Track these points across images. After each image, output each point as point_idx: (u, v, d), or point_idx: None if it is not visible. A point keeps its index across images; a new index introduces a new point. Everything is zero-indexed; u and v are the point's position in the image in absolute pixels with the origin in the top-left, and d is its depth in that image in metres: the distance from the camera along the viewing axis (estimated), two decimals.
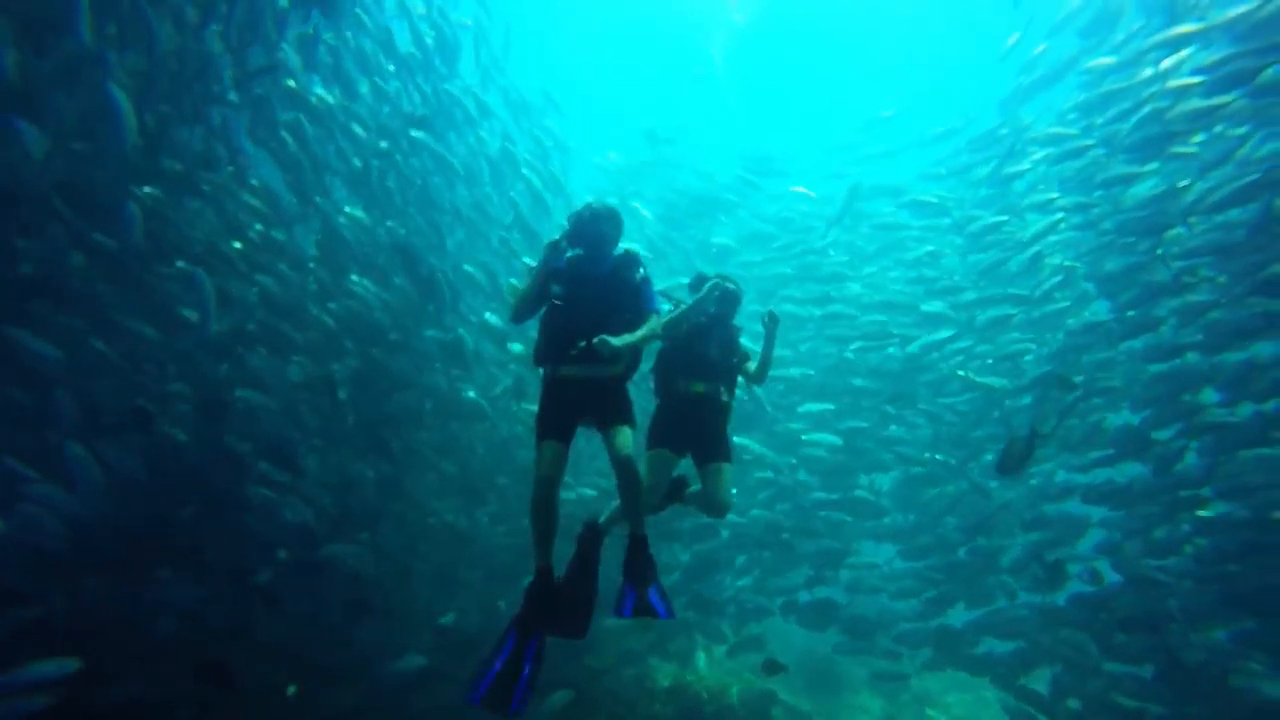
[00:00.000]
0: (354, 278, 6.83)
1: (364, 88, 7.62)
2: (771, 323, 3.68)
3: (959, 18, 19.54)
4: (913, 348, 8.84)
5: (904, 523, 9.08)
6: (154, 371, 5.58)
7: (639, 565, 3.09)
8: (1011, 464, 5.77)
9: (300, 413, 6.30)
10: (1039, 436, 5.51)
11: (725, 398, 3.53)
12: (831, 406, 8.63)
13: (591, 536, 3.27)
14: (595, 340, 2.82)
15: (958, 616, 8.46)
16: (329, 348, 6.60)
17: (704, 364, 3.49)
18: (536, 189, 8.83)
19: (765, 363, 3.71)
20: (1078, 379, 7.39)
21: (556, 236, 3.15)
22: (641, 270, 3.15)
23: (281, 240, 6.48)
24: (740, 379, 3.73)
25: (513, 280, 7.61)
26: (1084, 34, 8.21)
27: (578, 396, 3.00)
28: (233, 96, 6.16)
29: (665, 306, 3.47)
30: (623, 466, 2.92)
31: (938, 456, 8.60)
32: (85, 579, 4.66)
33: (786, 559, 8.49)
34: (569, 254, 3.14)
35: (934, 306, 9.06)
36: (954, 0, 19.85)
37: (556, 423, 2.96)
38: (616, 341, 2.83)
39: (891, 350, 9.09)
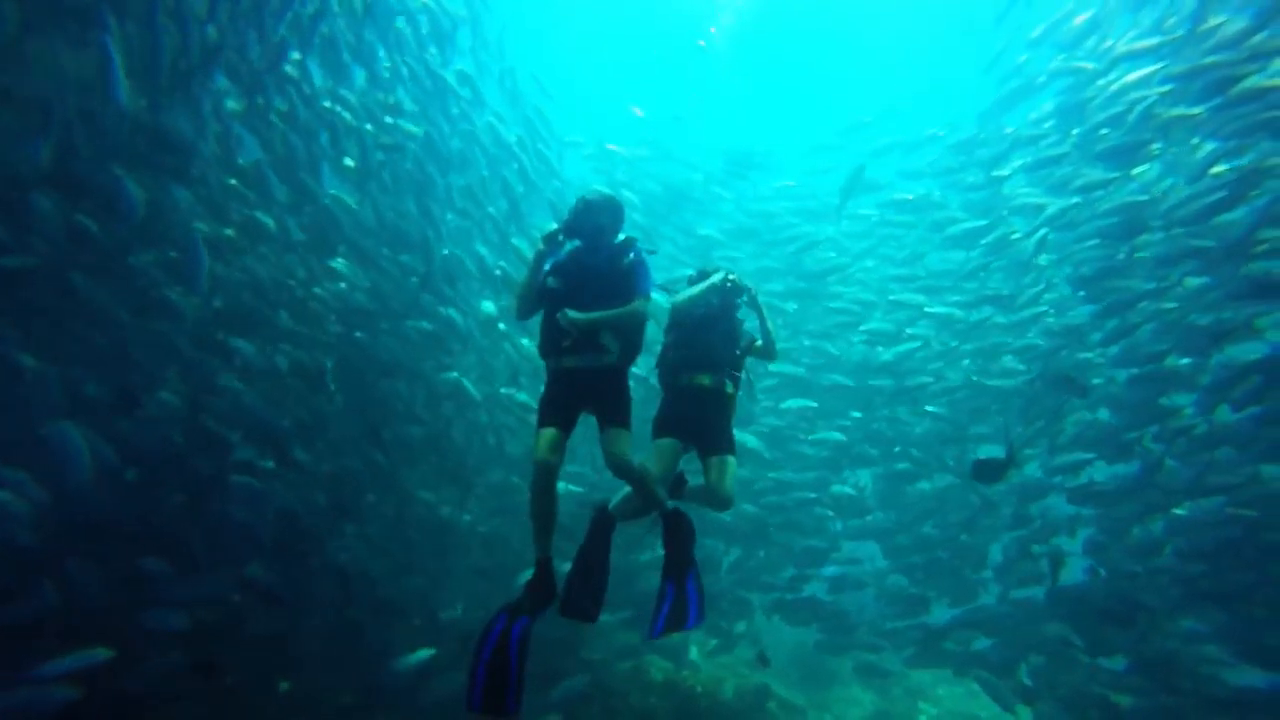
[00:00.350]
0: (340, 262, 6.83)
1: (360, 76, 7.56)
2: (752, 301, 3.73)
3: (955, 22, 19.72)
4: (887, 354, 9.05)
5: (885, 520, 9.29)
6: (139, 358, 5.45)
7: (677, 543, 3.08)
8: (987, 476, 5.93)
9: (288, 401, 6.22)
10: (1014, 463, 5.71)
11: (730, 390, 3.56)
12: (814, 404, 8.81)
13: (602, 520, 3.28)
14: (557, 314, 2.85)
15: (940, 613, 8.68)
16: (315, 335, 6.56)
17: (709, 356, 3.51)
18: (528, 170, 8.93)
19: (768, 338, 3.77)
20: (1073, 376, 7.50)
21: (554, 227, 3.12)
22: (631, 255, 3.10)
23: (269, 225, 6.40)
24: (749, 363, 3.78)
25: (502, 263, 7.78)
26: (1064, 46, 8.43)
27: (578, 387, 3.00)
28: (223, 82, 6.08)
29: (660, 296, 3.58)
30: (618, 470, 2.93)
31: (915, 453, 8.80)
32: (77, 570, 4.58)
33: (776, 555, 8.74)
34: (568, 246, 3.12)
35: (939, 308, 9.20)
36: (950, 7, 20.05)
37: (555, 411, 2.98)
38: (579, 316, 2.84)
39: (880, 349, 9.32)
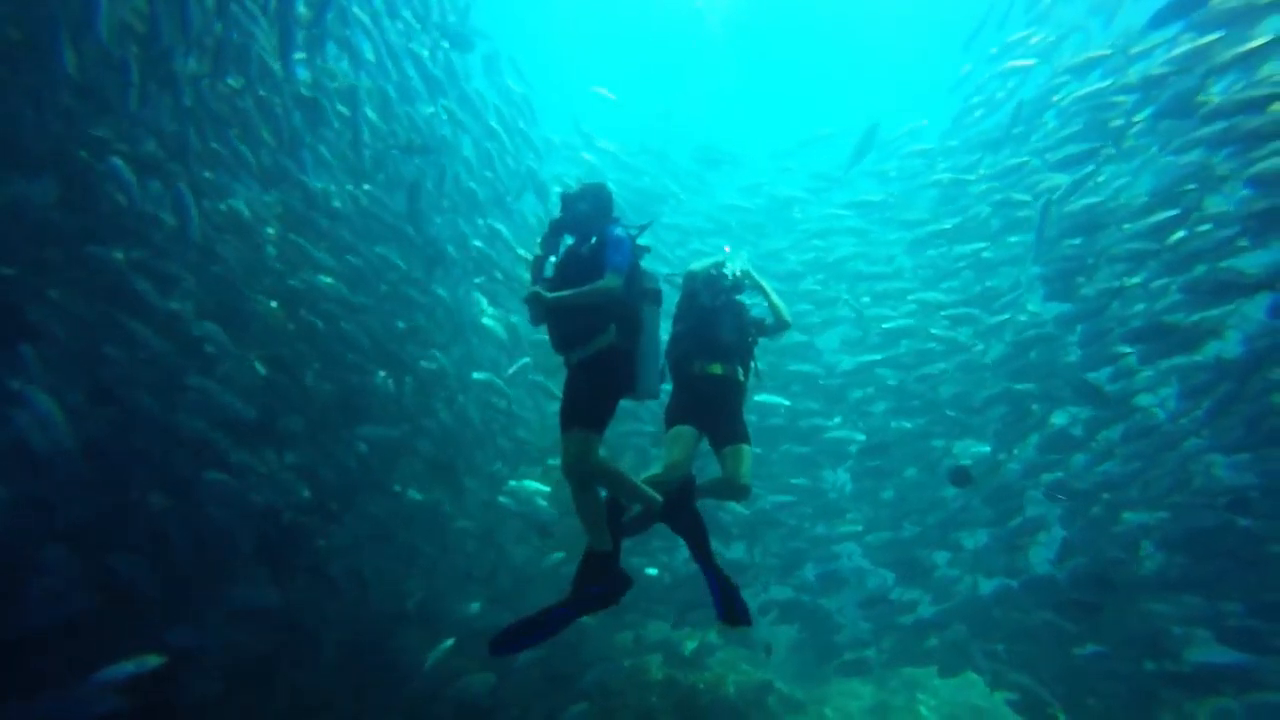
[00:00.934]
0: (324, 255, 6.92)
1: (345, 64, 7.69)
2: (751, 281, 3.76)
3: (943, 30, 19.98)
4: (848, 362, 9.43)
5: (862, 518, 9.60)
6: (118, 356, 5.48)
7: (685, 531, 3.00)
8: (961, 482, 6.39)
9: (267, 395, 6.21)
10: (972, 480, 6.08)
11: (741, 378, 3.54)
12: (787, 403, 9.10)
13: (610, 506, 3.23)
14: (525, 297, 2.91)
15: (923, 610, 8.98)
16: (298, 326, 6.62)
17: (720, 346, 3.48)
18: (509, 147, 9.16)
19: (776, 311, 3.77)
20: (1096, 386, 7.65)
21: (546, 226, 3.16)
22: (595, 238, 3.08)
23: (244, 212, 6.46)
24: (760, 347, 3.75)
25: (479, 244, 8.09)
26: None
27: (574, 382, 2.99)
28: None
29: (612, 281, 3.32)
30: (571, 474, 2.88)
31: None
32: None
33: (763, 555, 9.13)
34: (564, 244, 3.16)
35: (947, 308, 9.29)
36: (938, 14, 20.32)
37: (562, 413, 2.99)
38: (547, 295, 2.88)
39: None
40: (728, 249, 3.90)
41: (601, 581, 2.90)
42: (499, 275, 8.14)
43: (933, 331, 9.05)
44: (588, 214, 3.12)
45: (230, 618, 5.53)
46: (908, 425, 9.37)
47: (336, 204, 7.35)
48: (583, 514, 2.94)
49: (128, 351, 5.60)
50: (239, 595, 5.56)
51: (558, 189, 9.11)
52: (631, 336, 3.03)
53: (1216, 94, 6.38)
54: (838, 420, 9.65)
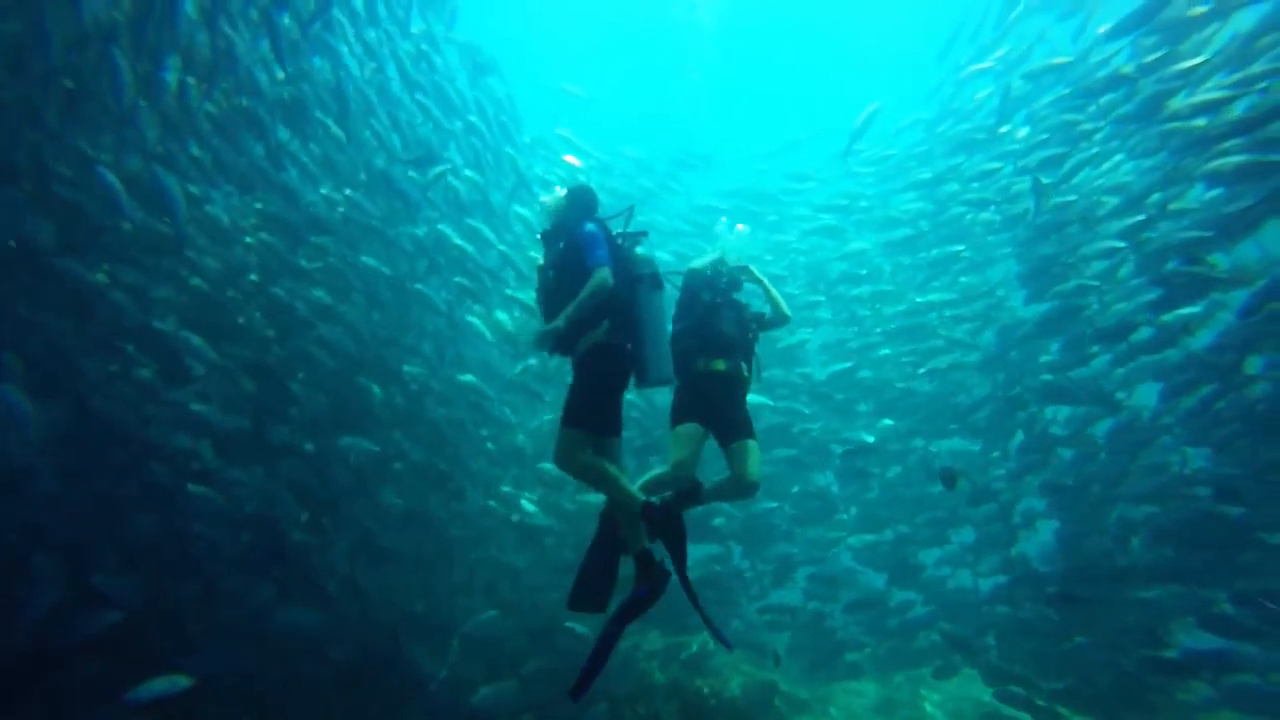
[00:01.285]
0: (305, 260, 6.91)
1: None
2: (749, 275, 3.78)
3: (926, 37, 20.51)
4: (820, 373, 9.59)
5: (849, 519, 9.69)
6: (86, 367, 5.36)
7: (667, 541, 2.95)
8: (949, 483, 6.57)
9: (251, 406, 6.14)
10: (960, 481, 6.29)
11: (746, 373, 3.54)
12: (770, 402, 9.14)
13: (607, 521, 3.27)
14: (533, 341, 2.94)
15: (917, 612, 9.11)
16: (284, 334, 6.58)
17: (723, 342, 3.48)
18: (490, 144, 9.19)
19: (775, 304, 3.79)
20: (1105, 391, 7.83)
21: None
22: (563, 242, 3.07)
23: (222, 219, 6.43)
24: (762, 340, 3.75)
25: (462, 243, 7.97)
26: (995, 74, 9.21)
27: (572, 382, 2.97)
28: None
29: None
30: (565, 471, 2.88)
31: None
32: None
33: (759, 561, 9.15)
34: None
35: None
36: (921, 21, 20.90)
37: None
38: (545, 329, 2.90)
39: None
40: (741, 227, 3.95)
41: (644, 581, 2.86)
42: (487, 281, 8.10)
43: (939, 331, 9.14)
44: (574, 218, 3.14)
45: (233, 638, 5.41)
46: (889, 423, 9.50)
47: (321, 211, 7.34)
48: (618, 519, 2.92)
49: (106, 366, 5.48)
50: (286, 617, 5.46)
51: (539, 191, 9.15)
52: (626, 328, 2.98)
53: (1178, 98, 6.72)
54: (819, 424, 9.74)
